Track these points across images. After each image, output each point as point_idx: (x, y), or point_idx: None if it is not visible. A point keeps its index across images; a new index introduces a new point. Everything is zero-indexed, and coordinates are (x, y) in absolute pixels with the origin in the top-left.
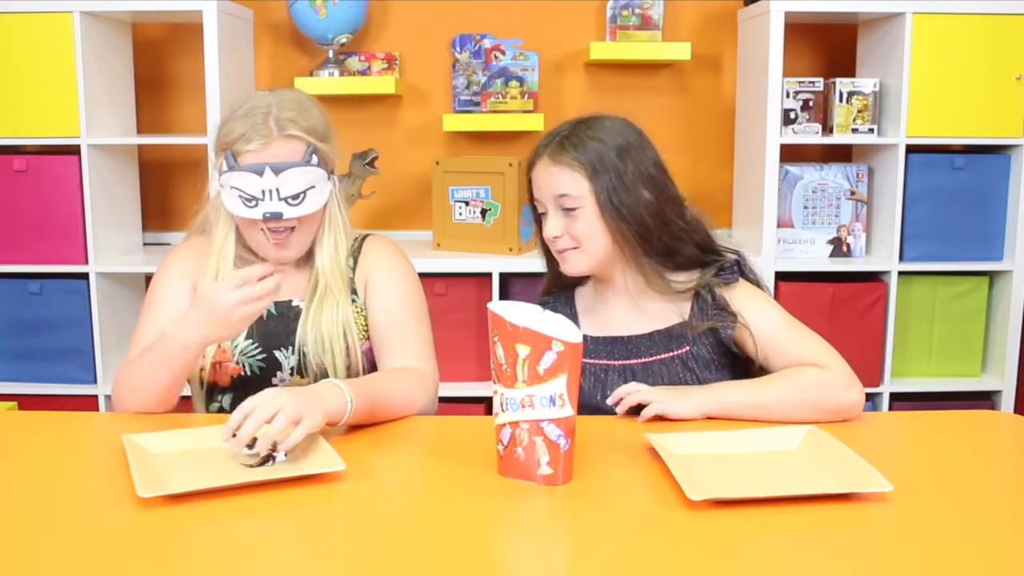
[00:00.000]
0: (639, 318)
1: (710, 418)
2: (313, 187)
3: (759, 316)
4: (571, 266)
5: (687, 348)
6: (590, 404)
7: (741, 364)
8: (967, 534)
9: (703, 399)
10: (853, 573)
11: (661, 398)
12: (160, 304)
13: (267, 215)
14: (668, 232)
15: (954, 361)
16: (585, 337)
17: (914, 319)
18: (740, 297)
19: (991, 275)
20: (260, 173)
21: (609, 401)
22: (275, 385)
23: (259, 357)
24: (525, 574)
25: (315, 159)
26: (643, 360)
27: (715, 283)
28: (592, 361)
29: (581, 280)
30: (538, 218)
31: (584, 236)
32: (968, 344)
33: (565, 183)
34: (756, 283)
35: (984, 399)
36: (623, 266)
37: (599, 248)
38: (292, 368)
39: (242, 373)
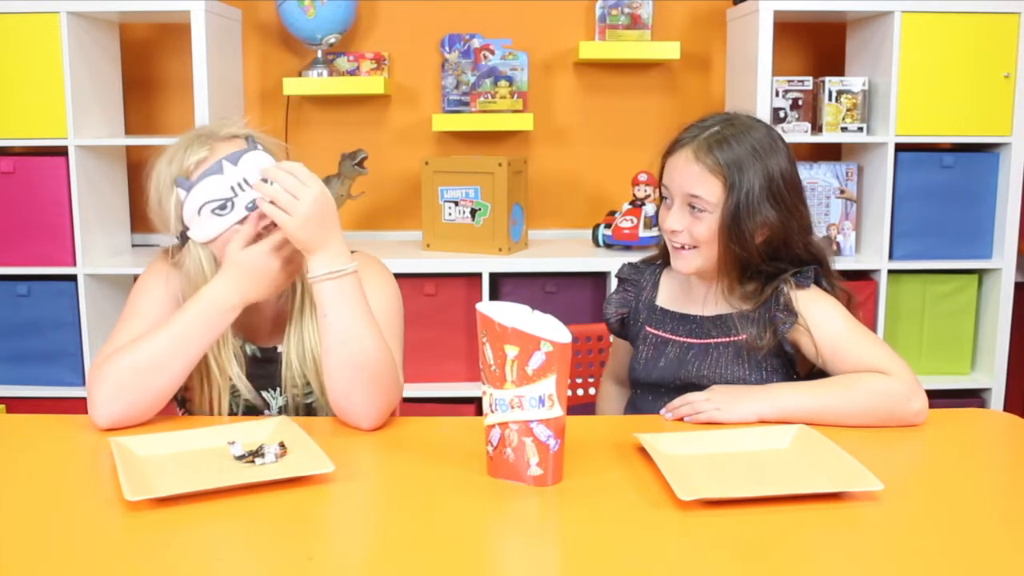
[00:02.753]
0: (708, 303)
1: (764, 422)
2: None
3: (823, 319)
4: (685, 263)
5: (744, 336)
6: (644, 374)
7: (792, 364)
8: (958, 532)
9: (761, 403)
10: (844, 572)
11: (716, 405)
12: (146, 311)
13: (249, 206)
14: (771, 258)
15: (944, 359)
16: (655, 306)
17: (904, 317)
18: (806, 299)
19: (980, 273)
20: (220, 171)
21: (662, 412)
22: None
23: (246, 397)
24: (515, 575)
25: (260, 147)
26: (701, 340)
27: (786, 281)
28: (654, 330)
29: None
30: (660, 199)
31: (705, 240)
32: (957, 342)
33: (702, 186)
34: (832, 294)
35: (974, 397)
36: (713, 271)
37: (715, 253)
38: (280, 408)
39: (228, 411)
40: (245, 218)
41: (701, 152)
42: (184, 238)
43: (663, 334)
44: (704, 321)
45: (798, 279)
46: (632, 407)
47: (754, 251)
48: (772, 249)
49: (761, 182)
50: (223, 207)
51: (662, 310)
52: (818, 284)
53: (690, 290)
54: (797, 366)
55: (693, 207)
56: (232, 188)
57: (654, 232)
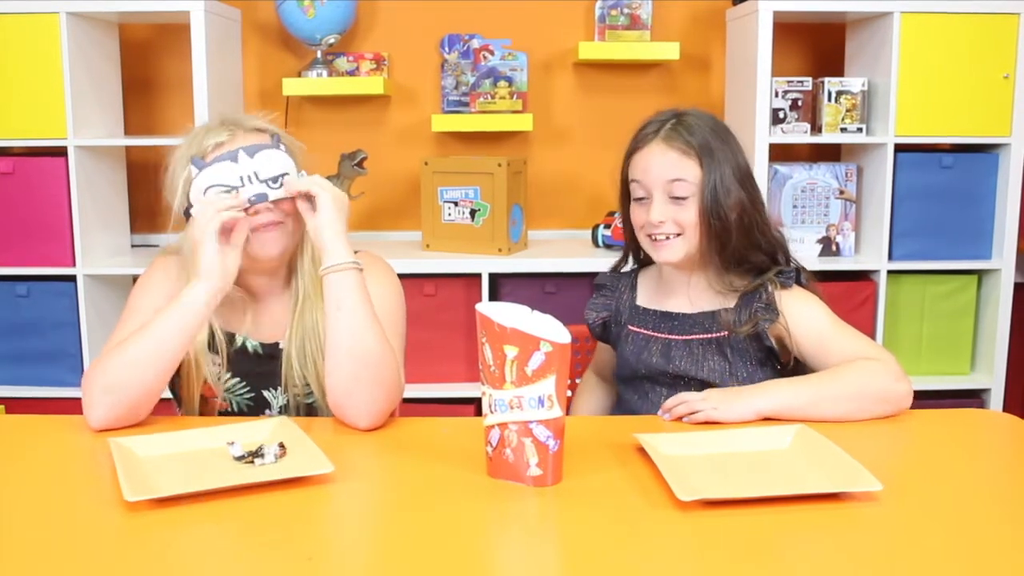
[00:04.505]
0: (690, 299)
1: (766, 419)
2: (287, 174)
3: (804, 316)
4: (670, 253)
5: (725, 332)
6: (626, 369)
7: (776, 361)
8: (957, 532)
9: (759, 399)
10: (844, 572)
11: (713, 404)
12: (145, 309)
13: (252, 199)
14: (747, 239)
15: (943, 359)
16: (637, 306)
17: (903, 318)
18: (788, 299)
19: (980, 273)
20: (235, 159)
21: (659, 412)
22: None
23: (247, 396)
24: (515, 575)
25: (283, 147)
26: (683, 336)
27: (771, 280)
28: (637, 329)
29: (648, 266)
30: (626, 202)
31: (689, 224)
32: (957, 342)
33: (681, 168)
34: (814, 293)
35: (973, 397)
36: (694, 260)
37: (697, 239)
38: (281, 407)
39: (229, 409)
40: (246, 209)
41: (672, 139)
42: (187, 215)
43: (645, 331)
44: (685, 318)
45: (782, 279)
46: (620, 408)
47: (732, 230)
48: (746, 230)
49: (729, 163)
50: (228, 192)
51: (643, 309)
52: (799, 283)
53: (668, 288)
54: (780, 357)
55: (674, 196)
56: (241, 178)
57: None
